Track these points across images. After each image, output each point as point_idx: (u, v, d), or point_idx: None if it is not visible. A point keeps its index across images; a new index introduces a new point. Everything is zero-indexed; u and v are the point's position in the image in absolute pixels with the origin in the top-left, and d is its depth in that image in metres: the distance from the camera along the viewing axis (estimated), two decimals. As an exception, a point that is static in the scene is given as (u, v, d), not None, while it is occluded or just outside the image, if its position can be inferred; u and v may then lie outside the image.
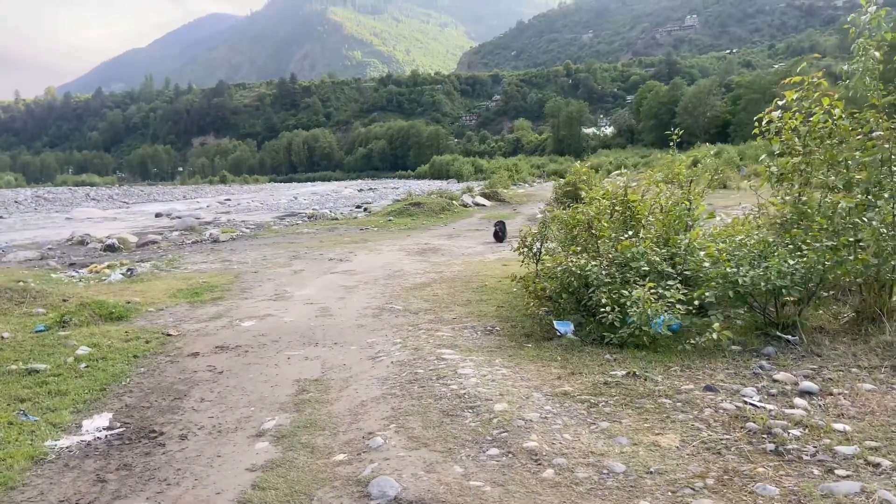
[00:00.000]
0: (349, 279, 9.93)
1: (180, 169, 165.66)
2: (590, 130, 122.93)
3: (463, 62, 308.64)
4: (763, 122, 6.53)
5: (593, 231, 6.02)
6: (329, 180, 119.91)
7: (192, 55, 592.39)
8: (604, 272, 5.30)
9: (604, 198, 6.50)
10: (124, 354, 5.90)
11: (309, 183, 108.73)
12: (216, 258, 13.00)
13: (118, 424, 4.24)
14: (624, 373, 4.39)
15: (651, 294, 4.81)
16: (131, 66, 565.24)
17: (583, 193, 19.58)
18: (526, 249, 7.40)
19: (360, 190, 66.26)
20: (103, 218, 31.60)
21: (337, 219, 22.33)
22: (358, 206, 36.11)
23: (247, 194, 65.37)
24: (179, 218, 29.75)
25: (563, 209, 19.73)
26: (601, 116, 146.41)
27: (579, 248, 5.98)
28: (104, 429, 4.17)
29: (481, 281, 9.13)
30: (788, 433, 3.37)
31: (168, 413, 4.44)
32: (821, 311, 5.36)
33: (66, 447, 3.91)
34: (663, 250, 5.54)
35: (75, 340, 6.33)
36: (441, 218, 20.10)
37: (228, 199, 52.54)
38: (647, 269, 5.22)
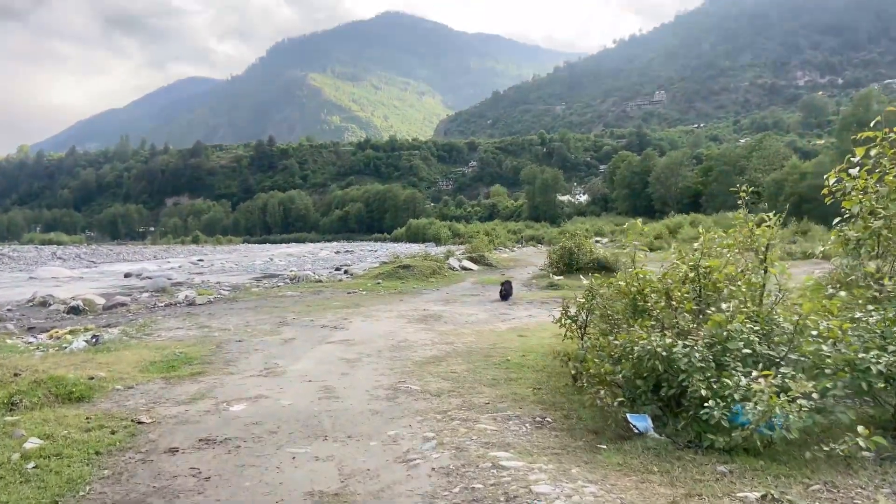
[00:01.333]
0: (349, 350, 8.79)
1: (151, 229, 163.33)
2: (564, 198, 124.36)
3: (440, 129, 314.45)
4: (831, 182, 5.74)
5: (673, 302, 5.01)
6: (304, 242, 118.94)
7: (170, 116, 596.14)
8: (697, 355, 4.27)
9: (680, 262, 5.53)
10: (84, 450, 4.67)
11: (283, 244, 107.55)
12: (193, 324, 11.72)
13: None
14: (758, 495, 3.33)
15: (772, 386, 3.82)
16: (108, 126, 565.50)
17: (583, 257, 19.20)
18: (569, 321, 6.42)
19: (338, 252, 65.31)
20: (69, 278, 29.94)
21: (321, 281, 21.07)
22: (337, 269, 35.03)
23: (220, 255, 64.17)
24: (150, 278, 28.34)
25: (560, 273, 19.04)
26: (575, 184, 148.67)
27: (652, 323, 4.94)
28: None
29: (501, 355, 8.10)
30: None
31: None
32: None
33: None
34: (756, 327, 4.57)
35: (24, 429, 5.09)
36: (432, 282, 19.03)
37: (201, 260, 51.14)
38: (748, 351, 4.25)
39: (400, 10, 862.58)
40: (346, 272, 30.68)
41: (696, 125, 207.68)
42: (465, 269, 25.13)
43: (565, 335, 6.57)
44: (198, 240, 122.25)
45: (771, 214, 5.39)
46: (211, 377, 7.23)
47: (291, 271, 27.67)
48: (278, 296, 16.68)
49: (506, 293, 15.08)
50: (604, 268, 18.06)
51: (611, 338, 4.94)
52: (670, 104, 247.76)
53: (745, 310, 4.58)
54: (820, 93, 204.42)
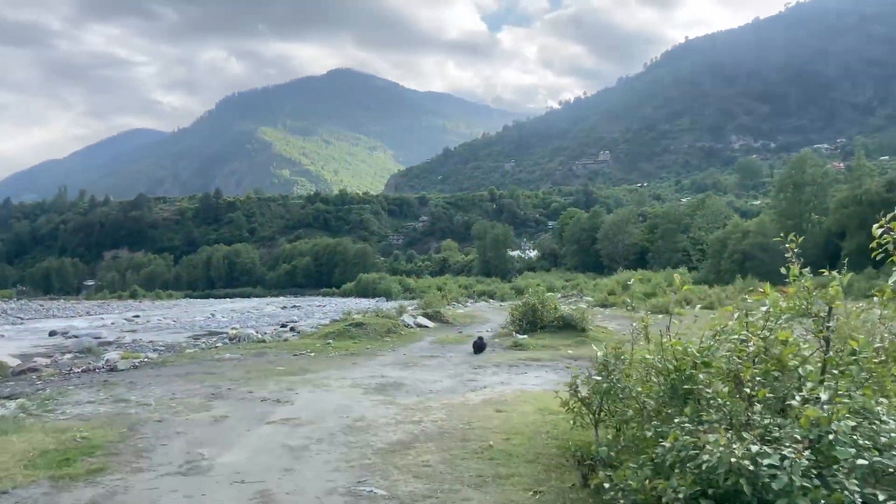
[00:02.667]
0: (294, 434, 7.21)
1: (88, 283, 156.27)
2: (515, 253, 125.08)
3: (391, 184, 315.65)
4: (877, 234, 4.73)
5: (746, 389, 3.68)
6: (250, 297, 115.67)
7: (112, 168, 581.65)
8: (799, 471, 2.96)
9: (745, 332, 4.23)
10: None
11: (228, 299, 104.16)
12: (109, 396, 9.86)
13: None
14: None
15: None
16: (46, 177, 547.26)
17: (546, 314, 18.10)
18: (578, 405, 5.15)
19: (284, 307, 63.17)
20: (-12, 336, 27.24)
21: (265, 341, 19.29)
22: (283, 325, 33.14)
23: (159, 310, 61.39)
24: (77, 337, 26.12)
25: (523, 331, 17.86)
26: (524, 240, 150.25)
27: (714, 417, 3.62)
28: None
29: (481, 438, 6.71)
30: None
31: None
32: None
33: None
34: (865, 424, 3.34)
35: None
36: (387, 342, 17.46)
37: (137, 316, 48.46)
38: (862, 462, 3.03)
39: (351, 68, 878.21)
40: (292, 329, 28.91)
41: (639, 184, 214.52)
42: (420, 326, 23.73)
43: (574, 422, 5.29)
44: (136, 294, 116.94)
45: (835, 272, 4.30)
46: (113, 476, 5.60)
47: (233, 329, 25.69)
48: (214, 359, 14.85)
49: (479, 347, 15.00)
50: (569, 326, 17.02)
51: (648, 432, 3.68)
52: (615, 164, 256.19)
53: (846, 402, 3.34)
54: (754, 156, 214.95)
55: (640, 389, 4.08)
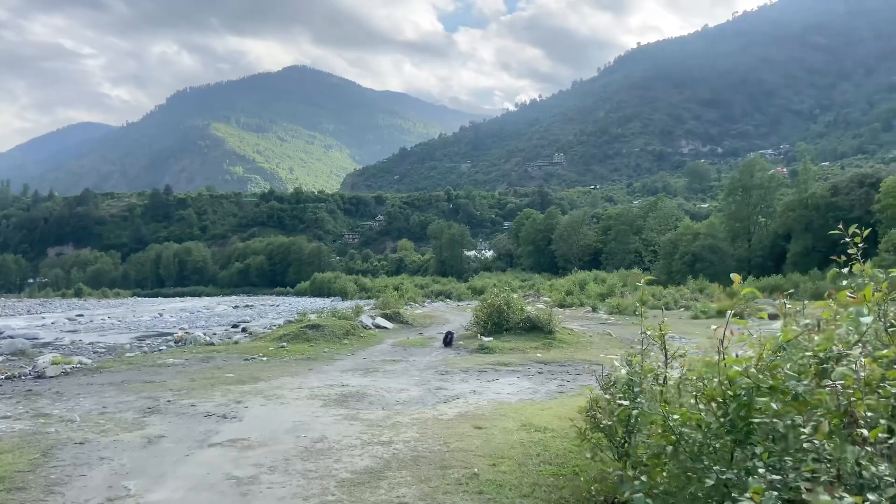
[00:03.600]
0: (242, 460, 6.11)
1: (31, 281, 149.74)
2: (471, 253, 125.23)
3: (347, 183, 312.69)
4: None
5: (858, 422, 2.64)
6: (201, 296, 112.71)
7: (57, 162, 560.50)
8: None
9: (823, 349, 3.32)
10: None
11: (178, 298, 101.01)
12: (28, 409, 8.71)
13: None
14: None
15: None
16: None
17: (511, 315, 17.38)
18: (598, 435, 4.30)
19: (236, 307, 61.33)
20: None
21: (213, 344, 17.98)
22: (235, 326, 31.74)
23: (104, 309, 58.82)
24: (11, 338, 24.20)
25: (488, 333, 17.09)
26: (481, 240, 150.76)
27: (816, 466, 2.55)
28: None
29: (463, 463, 5.78)
30: None
31: None
32: None
33: None
34: None
35: None
36: (346, 345, 16.34)
37: (81, 315, 46.22)
38: None
39: (307, 65, 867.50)
40: (244, 330, 27.58)
41: (593, 186, 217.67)
42: (379, 327, 22.75)
43: (594, 456, 4.45)
44: (81, 293, 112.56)
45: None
46: (13, 518, 4.54)
47: (179, 331, 24.19)
48: (156, 364, 13.64)
49: (449, 340, 14.66)
50: (536, 328, 16.34)
51: (708, 480, 2.80)
52: (569, 166, 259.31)
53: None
54: (702, 160, 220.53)
55: (676, 417, 3.28)
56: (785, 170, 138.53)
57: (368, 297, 76.18)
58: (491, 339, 15.80)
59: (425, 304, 51.00)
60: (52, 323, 37.81)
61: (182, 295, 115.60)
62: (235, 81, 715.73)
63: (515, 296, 17.69)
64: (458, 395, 9.64)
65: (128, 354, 15.67)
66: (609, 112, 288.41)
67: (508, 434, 6.90)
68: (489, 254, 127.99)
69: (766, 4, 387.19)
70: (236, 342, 17.93)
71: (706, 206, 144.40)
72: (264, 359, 14.11)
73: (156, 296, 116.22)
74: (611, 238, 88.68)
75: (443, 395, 9.71)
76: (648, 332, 4.26)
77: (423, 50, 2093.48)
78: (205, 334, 20.52)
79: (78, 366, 13.12)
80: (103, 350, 19.41)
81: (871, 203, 56.16)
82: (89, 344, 21.80)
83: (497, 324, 16.48)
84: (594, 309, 31.88)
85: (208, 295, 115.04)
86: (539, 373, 11.51)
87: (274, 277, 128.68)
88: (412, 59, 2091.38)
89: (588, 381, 10.49)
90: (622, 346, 15.81)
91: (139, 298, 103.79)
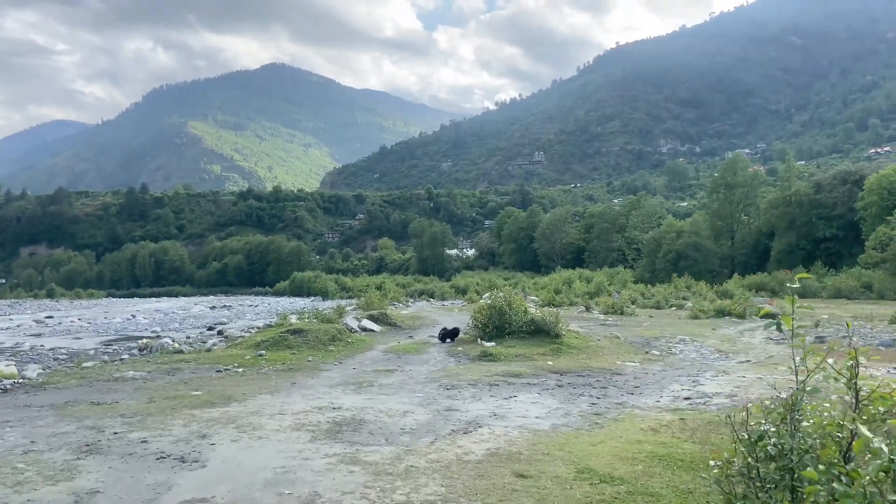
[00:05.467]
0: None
1: (2, 281, 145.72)
2: (452, 252, 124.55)
3: (326, 181, 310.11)
4: None
5: None
6: (177, 296, 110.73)
7: (30, 161, 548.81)
8: None
9: None
10: None
11: (154, 299, 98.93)
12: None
13: None
14: None
15: None
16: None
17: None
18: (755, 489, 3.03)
19: (213, 307, 59.82)
20: None
21: (182, 351, 16.22)
22: (210, 328, 30.27)
23: (76, 311, 57.07)
24: (-39, 345, 22.46)
25: (489, 337, 15.79)
26: (461, 239, 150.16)
27: None
28: None
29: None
30: None
31: None
32: None
33: None
34: None
35: None
36: (332, 352, 14.81)
37: (50, 317, 44.54)
38: None
39: (286, 62, 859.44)
40: (220, 333, 26.05)
41: (573, 185, 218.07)
42: (365, 330, 21.36)
43: None
44: (53, 293, 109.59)
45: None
46: None
47: (146, 338, 22.51)
48: (112, 378, 11.90)
49: (453, 334, 14.37)
50: (541, 331, 15.07)
51: None
52: (549, 165, 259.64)
53: None
54: (681, 159, 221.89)
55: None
56: (762, 168, 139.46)
57: (350, 297, 74.77)
58: (493, 343, 14.50)
59: (409, 303, 49.70)
60: (18, 326, 36.15)
61: (158, 295, 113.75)
62: (213, 79, 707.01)
63: (518, 296, 16.36)
64: (475, 419, 8.13)
65: (85, 364, 14.01)
66: (589, 111, 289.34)
67: (566, 488, 5.34)
68: (471, 252, 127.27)
69: (743, 5, 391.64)
70: (209, 349, 16.29)
71: (685, 204, 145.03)
72: (240, 370, 12.56)
73: (131, 296, 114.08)
74: (593, 236, 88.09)
75: (457, 419, 8.15)
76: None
77: (402, 48, 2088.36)
78: (173, 341, 18.83)
79: (20, 381, 11.49)
80: (64, 357, 17.93)
81: (855, 200, 56.07)
82: (50, 350, 20.33)
83: (498, 327, 15.17)
84: (588, 308, 30.77)
85: (185, 295, 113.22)
86: (559, 386, 10.18)
87: (252, 277, 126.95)
88: (392, 57, 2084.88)
89: (620, 396, 9.24)
90: (637, 352, 14.61)
91: (114, 299, 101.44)
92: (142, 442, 7.10)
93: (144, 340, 19.41)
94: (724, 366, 12.05)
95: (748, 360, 12.68)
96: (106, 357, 15.95)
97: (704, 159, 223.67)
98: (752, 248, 67.12)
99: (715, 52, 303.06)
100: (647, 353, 14.36)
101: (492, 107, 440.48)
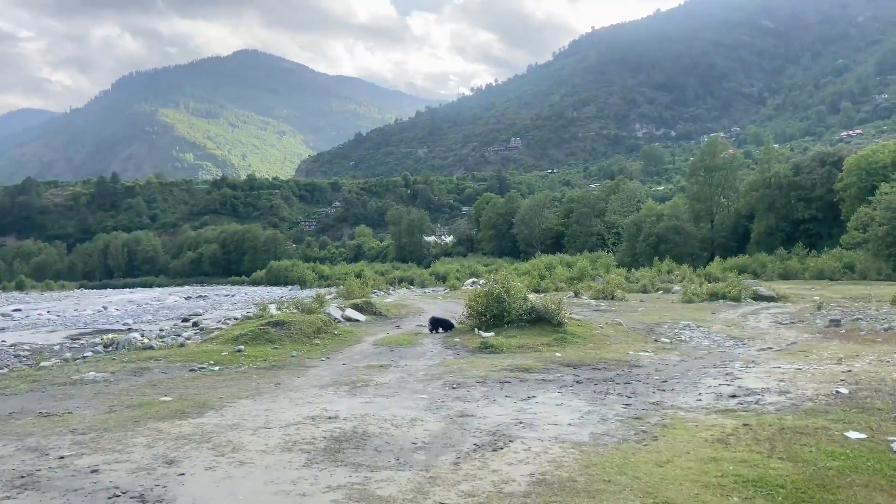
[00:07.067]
0: None
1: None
2: (430, 238, 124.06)
3: (301, 169, 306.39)
4: None
5: None
6: (151, 286, 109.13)
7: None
8: None
9: None
10: None
11: (127, 289, 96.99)
12: None
13: None
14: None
15: None
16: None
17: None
18: None
19: (188, 297, 58.30)
20: None
21: (152, 347, 14.65)
22: (185, 320, 28.96)
23: (46, 303, 55.44)
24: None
25: (486, 327, 14.72)
26: (439, 226, 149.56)
27: None
28: None
29: None
30: None
31: None
32: None
33: None
34: None
35: None
36: (318, 345, 13.60)
37: (18, 310, 42.78)
38: None
39: (258, 49, 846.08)
40: (195, 325, 24.72)
41: (550, 170, 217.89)
42: (350, 320, 20.27)
43: None
44: (23, 285, 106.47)
45: None
46: None
47: (112, 332, 21.09)
48: (70, 381, 10.43)
49: (446, 325, 14.18)
50: (541, 319, 14.05)
51: None
52: (526, 150, 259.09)
53: None
54: (656, 143, 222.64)
55: None
56: (737, 151, 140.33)
57: (328, 286, 73.64)
58: (492, 333, 13.44)
59: (390, 291, 48.80)
60: (-17, 320, 34.86)
61: (132, 286, 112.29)
62: (184, 66, 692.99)
63: (517, 282, 15.30)
64: (499, 428, 6.88)
65: (43, 364, 12.60)
66: (564, 96, 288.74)
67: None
68: (449, 239, 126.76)
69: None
70: (182, 344, 14.89)
71: (661, 188, 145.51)
72: (216, 368, 11.31)
73: (104, 287, 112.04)
74: (573, 221, 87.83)
75: (476, 428, 6.92)
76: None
77: (376, 34, 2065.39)
78: (142, 335, 17.39)
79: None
80: (26, 353, 16.62)
81: (834, 182, 56.22)
82: (11, 346, 18.97)
83: (496, 315, 14.09)
84: (577, 294, 29.95)
85: (159, 286, 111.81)
86: (577, 382, 9.12)
87: (228, 266, 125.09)
88: (366, 43, 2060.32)
89: (651, 394, 8.20)
90: (644, 340, 13.67)
91: (86, 291, 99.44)
92: (92, 472, 5.70)
93: (110, 335, 17.94)
94: (748, 354, 11.18)
95: (769, 348, 11.83)
96: (68, 355, 14.50)
97: (680, 143, 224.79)
98: (732, 230, 67.14)
99: (689, 36, 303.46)
100: (655, 340, 13.47)
101: (468, 93, 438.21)
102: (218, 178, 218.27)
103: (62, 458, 6.16)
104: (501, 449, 6.11)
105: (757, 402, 7.51)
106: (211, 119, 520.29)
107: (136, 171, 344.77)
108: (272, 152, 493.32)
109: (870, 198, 47.22)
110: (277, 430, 7.06)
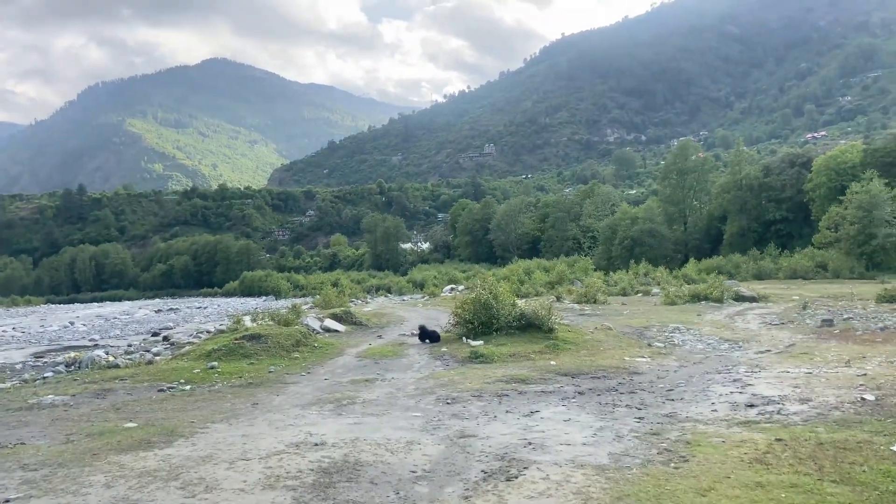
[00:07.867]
0: None
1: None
2: (407, 246, 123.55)
3: (274, 178, 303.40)
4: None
5: None
6: (120, 300, 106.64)
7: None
8: None
9: None
10: None
11: (95, 304, 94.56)
12: None
13: None
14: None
15: None
16: None
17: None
18: None
19: (159, 311, 56.71)
20: None
21: (118, 366, 13.62)
22: (155, 334, 27.89)
23: (12, 319, 53.84)
24: None
25: (475, 335, 14.14)
26: (415, 233, 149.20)
27: None
28: None
29: None
30: None
31: None
32: None
33: None
34: None
35: None
36: (297, 359, 12.81)
37: (-19, 327, 41.30)
38: None
39: (227, 57, 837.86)
40: (165, 339, 23.74)
41: (524, 176, 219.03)
42: (329, 330, 19.53)
43: None
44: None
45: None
46: None
47: (75, 350, 20.01)
48: (26, 406, 9.63)
49: (433, 337, 13.84)
50: (531, 325, 13.50)
51: None
52: (500, 156, 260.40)
53: None
54: (628, 148, 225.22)
55: None
56: (706, 154, 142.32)
57: (304, 295, 72.55)
58: (480, 342, 12.84)
59: (368, 300, 47.94)
60: (-56, 338, 33.37)
61: (100, 300, 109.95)
62: (151, 75, 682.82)
63: (504, 288, 14.73)
64: (506, 451, 6.16)
65: (0, 386, 11.66)
66: (536, 102, 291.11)
67: None
68: (425, 246, 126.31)
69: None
70: (150, 361, 14.00)
71: (634, 192, 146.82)
72: (187, 387, 10.48)
73: (71, 302, 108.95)
74: (549, 225, 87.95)
75: (479, 451, 6.22)
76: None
77: (347, 41, 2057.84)
78: (107, 353, 16.37)
79: None
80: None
81: (803, 182, 57.01)
82: (-28, 366, 17.76)
83: (484, 323, 13.49)
84: (559, 298, 29.52)
85: (129, 299, 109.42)
86: (579, 393, 8.55)
87: (200, 278, 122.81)
88: (337, 50, 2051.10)
89: (660, 405, 7.65)
90: (637, 345, 13.19)
91: (53, 306, 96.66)
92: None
93: (72, 354, 16.89)
94: (749, 358, 10.75)
95: (768, 350, 11.42)
96: (27, 375, 13.49)
97: (650, 147, 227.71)
98: (705, 232, 67.72)
99: (657, 42, 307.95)
100: (649, 345, 13.02)
101: (440, 100, 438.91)
102: (188, 188, 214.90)
103: (7, 502, 5.31)
104: (516, 478, 5.36)
105: (779, 413, 6.99)
106: (180, 129, 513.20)
107: (103, 182, 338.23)
108: (244, 161, 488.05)
109: (840, 197, 47.88)
110: (257, 461, 6.24)
